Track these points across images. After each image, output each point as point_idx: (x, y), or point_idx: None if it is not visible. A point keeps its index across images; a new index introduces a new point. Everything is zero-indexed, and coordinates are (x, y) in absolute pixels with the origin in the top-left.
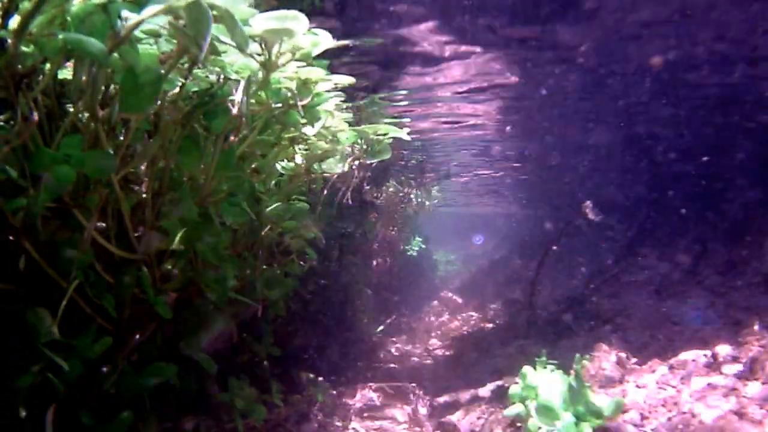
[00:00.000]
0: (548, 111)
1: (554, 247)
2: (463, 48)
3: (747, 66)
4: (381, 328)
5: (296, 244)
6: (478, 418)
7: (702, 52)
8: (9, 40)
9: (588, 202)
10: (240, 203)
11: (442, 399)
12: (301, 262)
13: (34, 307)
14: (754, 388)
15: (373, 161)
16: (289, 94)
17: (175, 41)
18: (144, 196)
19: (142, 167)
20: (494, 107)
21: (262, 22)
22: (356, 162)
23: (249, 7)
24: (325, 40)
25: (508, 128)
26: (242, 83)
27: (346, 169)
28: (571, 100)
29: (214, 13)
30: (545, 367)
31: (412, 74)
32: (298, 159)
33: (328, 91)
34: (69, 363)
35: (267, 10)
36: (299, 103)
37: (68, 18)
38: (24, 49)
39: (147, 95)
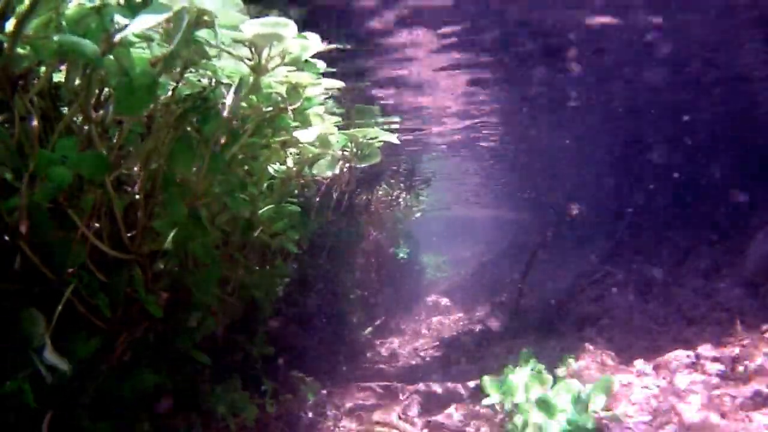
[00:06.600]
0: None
1: (541, 250)
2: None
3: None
4: (370, 329)
5: (276, 244)
6: (466, 416)
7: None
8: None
9: (575, 206)
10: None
11: (431, 399)
12: (294, 265)
13: (28, 308)
14: (735, 387)
15: (363, 165)
16: (280, 99)
17: (166, 45)
18: (137, 197)
19: (135, 168)
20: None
21: (252, 27)
22: (347, 165)
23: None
24: (315, 44)
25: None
26: (233, 87)
27: (337, 172)
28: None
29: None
30: (527, 363)
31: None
32: (290, 162)
33: (327, 89)
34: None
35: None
36: (289, 107)
37: (63, 21)
38: (20, 51)
39: (142, 98)
